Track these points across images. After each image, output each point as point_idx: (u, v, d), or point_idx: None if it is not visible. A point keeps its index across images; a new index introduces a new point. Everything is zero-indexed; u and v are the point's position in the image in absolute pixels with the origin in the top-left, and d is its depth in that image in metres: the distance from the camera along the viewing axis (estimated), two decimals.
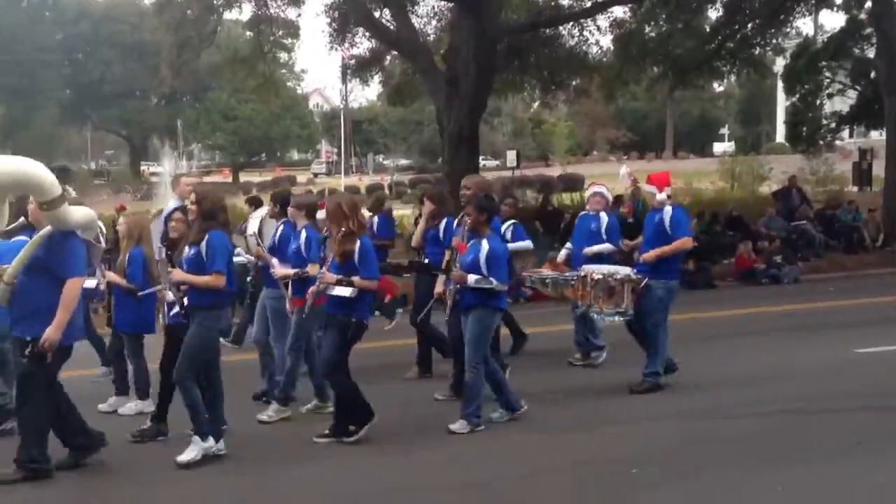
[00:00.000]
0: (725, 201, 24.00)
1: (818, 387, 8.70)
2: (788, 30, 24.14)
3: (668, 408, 8.05)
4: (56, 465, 6.38)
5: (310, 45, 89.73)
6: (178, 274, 6.73)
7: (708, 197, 26.02)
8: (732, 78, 29.09)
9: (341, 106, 57.42)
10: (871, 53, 23.00)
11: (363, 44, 23.19)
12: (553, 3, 22.44)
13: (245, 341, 10.40)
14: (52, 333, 6.06)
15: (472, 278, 7.19)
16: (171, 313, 7.15)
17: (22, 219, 7.10)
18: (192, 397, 6.60)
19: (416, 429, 7.48)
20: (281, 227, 8.33)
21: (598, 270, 8.59)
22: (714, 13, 23.02)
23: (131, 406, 8.21)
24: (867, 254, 20.58)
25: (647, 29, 22.52)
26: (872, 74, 22.97)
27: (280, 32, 24.84)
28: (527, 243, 10.32)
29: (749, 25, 22.25)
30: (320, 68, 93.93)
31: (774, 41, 23.24)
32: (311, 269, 7.57)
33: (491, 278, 7.16)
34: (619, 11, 22.28)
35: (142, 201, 31.77)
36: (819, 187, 27.40)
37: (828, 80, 24.74)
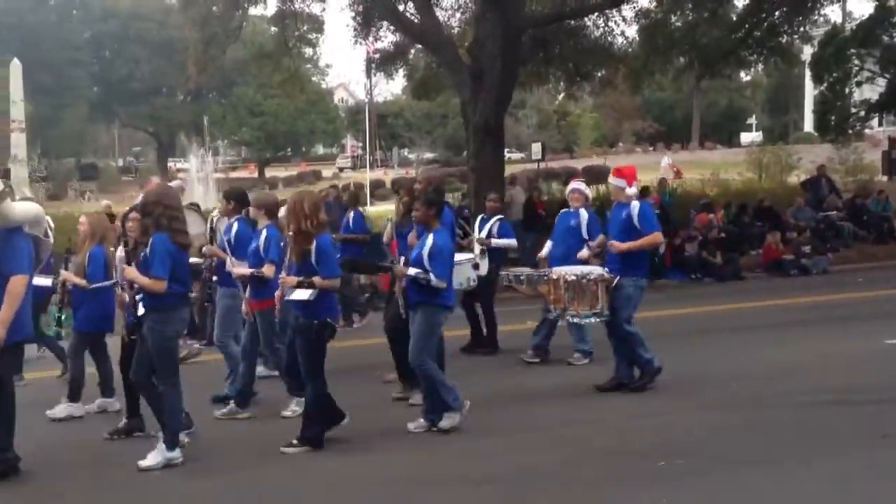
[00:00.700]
0: (753, 192, 23.82)
1: (847, 378, 8.64)
2: (816, 17, 23.87)
3: (693, 400, 8.04)
4: None
5: (334, 39, 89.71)
6: (129, 271, 6.68)
7: (735, 188, 25.81)
8: (760, 67, 28.82)
9: (366, 100, 57.44)
10: None
11: (387, 38, 23.22)
12: None
13: None
14: None
15: (411, 270, 7.07)
16: (128, 313, 7.08)
17: None
18: (173, 402, 6.55)
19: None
20: (235, 225, 8.14)
21: (570, 272, 8.39)
22: (741, 2, 22.85)
23: (98, 403, 8.23)
24: None
25: (673, 18, 22.35)
26: None
27: (305, 27, 24.91)
28: (511, 241, 10.24)
29: (776, 14, 22.01)
30: (345, 63, 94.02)
31: (802, 29, 22.97)
32: (267, 270, 7.45)
33: (430, 274, 6.96)
34: (644, 1, 22.14)
35: None
36: (848, 177, 27.13)
37: (856, 68, 24.44)
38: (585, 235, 9.32)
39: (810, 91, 46.40)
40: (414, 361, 7.15)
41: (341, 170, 61.53)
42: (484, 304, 10.45)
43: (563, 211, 9.86)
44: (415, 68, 24.92)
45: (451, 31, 22.88)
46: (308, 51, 38.24)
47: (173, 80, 57.92)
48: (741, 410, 7.64)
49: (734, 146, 58.22)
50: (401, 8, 21.20)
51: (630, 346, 8.33)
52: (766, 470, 6.08)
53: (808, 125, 53.37)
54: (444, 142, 63.85)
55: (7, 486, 6.25)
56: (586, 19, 21.88)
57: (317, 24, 26.39)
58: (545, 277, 8.62)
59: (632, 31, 23.66)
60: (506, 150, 26.54)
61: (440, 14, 22.07)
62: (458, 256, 9.78)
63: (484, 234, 10.22)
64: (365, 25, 22.25)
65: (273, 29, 24.81)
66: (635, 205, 8.26)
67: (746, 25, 22.30)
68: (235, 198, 8.40)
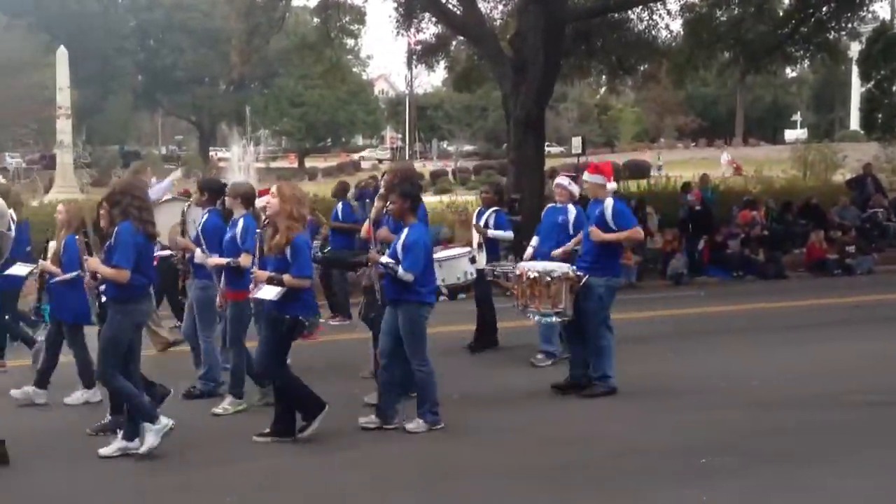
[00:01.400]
0: (797, 190, 23.50)
1: (892, 378, 8.52)
2: (864, 14, 23.38)
3: (735, 398, 7.97)
4: None
5: (376, 30, 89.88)
6: (92, 262, 6.61)
7: (779, 185, 25.48)
8: (806, 63, 28.36)
9: (406, 92, 57.58)
10: None
11: (429, 29, 23.18)
12: None
13: None
14: None
15: (383, 259, 6.94)
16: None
17: None
18: (122, 390, 6.46)
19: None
20: (206, 216, 7.98)
21: (533, 268, 8.03)
22: None
23: (77, 395, 8.06)
24: None
25: (719, 13, 22.06)
26: None
27: (347, 18, 24.95)
28: (507, 233, 9.90)
29: (824, 9, 21.62)
30: (386, 54, 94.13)
31: (850, 25, 22.52)
32: (243, 260, 7.31)
33: (400, 266, 6.80)
34: None
35: None
36: (894, 176, 26.65)
37: None
38: (572, 232, 8.82)
39: (857, 88, 45.66)
40: (414, 365, 6.97)
41: (381, 161, 61.71)
42: (479, 299, 10.08)
43: (549, 206, 9.55)
44: (456, 60, 24.85)
45: (493, 23, 22.78)
46: (350, 42, 38.34)
47: (216, 69, 58.40)
48: (784, 409, 7.57)
49: (778, 143, 57.52)
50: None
51: (597, 353, 8.00)
52: (811, 468, 6.01)
53: (855, 123, 52.54)
54: (484, 134, 63.78)
55: None
56: (630, 12, 21.68)
57: (359, 15, 26.40)
58: (516, 272, 8.30)
59: (676, 25, 23.43)
60: (546, 143, 26.43)
61: (482, 6, 21.98)
62: (455, 251, 9.75)
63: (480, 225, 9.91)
64: (407, 17, 22.24)
65: (315, 20, 24.86)
66: (609, 202, 7.88)
67: (793, 21, 21.95)
68: (209, 188, 8.17)
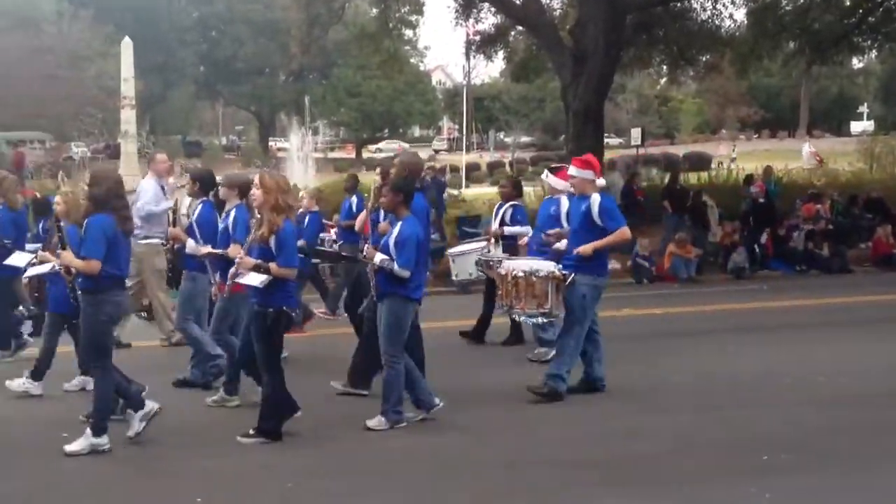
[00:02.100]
0: (864, 183, 22.93)
1: None
2: None
3: (799, 395, 7.82)
4: None
5: (434, 21, 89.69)
6: (65, 255, 6.57)
7: (845, 178, 24.89)
8: (873, 54, 27.70)
9: (464, 82, 57.43)
10: None
11: (488, 19, 23.13)
12: None
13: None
14: None
15: (378, 256, 6.81)
16: (71, 297, 6.94)
17: None
18: (104, 387, 6.38)
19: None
20: (200, 207, 7.92)
21: (518, 267, 7.68)
22: None
23: (77, 381, 8.02)
24: None
25: (784, 2, 21.68)
26: None
27: (405, 9, 25.00)
28: (524, 228, 9.66)
29: None
30: (443, 45, 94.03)
31: None
32: (232, 251, 7.17)
33: (394, 262, 6.69)
34: None
35: None
36: None
37: None
38: (565, 223, 8.49)
39: None
40: (385, 357, 6.85)
41: (437, 152, 61.76)
42: (486, 294, 9.80)
43: (546, 198, 9.32)
44: (514, 50, 24.76)
45: (552, 12, 22.66)
46: (408, 32, 38.42)
47: (276, 60, 58.94)
48: (851, 407, 7.39)
49: (843, 135, 56.15)
50: None
51: (560, 349, 7.68)
52: (877, 469, 5.87)
53: None
54: (542, 125, 63.44)
55: None
56: (693, 1, 21.41)
57: (417, 6, 26.43)
58: (498, 265, 8.08)
59: (740, 15, 23.10)
60: (604, 134, 26.19)
61: None
62: (469, 246, 9.68)
63: (497, 221, 9.75)
64: (466, 7, 22.23)
65: (374, 10, 24.97)
66: (595, 198, 7.48)
67: (861, 10, 21.46)
68: (200, 179, 8.08)
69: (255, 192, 6.57)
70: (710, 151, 46.74)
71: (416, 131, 76.81)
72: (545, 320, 7.87)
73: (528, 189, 21.28)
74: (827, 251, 17.63)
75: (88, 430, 6.33)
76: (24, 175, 24.54)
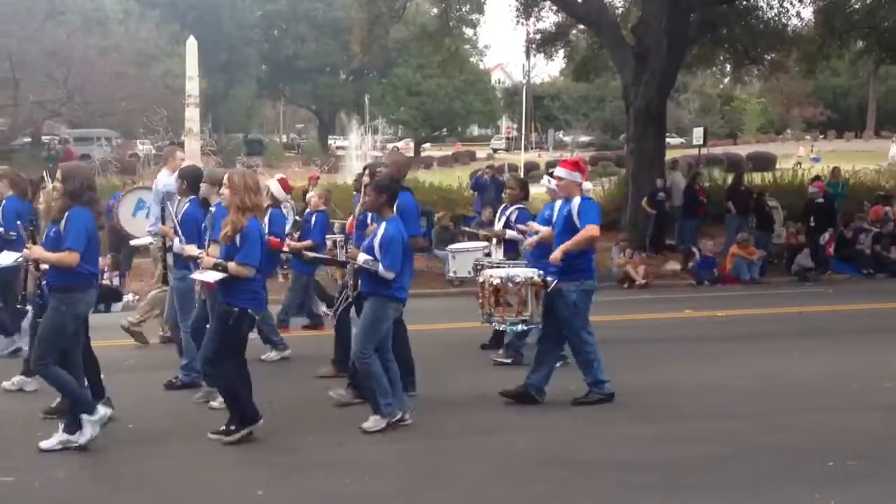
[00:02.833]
0: None
1: None
2: None
3: (868, 400, 7.65)
4: None
5: (494, 20, 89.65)
6: (35, 250, 6.42)
7: None
8: None
9: (523, 81, 57.22)
10: None
11: (549, 18, 23.03)
12: None
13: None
14: None
15: (361, 257, 6.72)
16: (39, 293, 6.79)
17: None
18: (60, 381, 6.27)
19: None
20: (186, 205, 7.83)
21: (495, 275, 7.49)
22: None
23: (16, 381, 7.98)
24: None
25: (853, 0, 21.19)
26: None
27: (466, 8, 25.04)
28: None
29: None
30: (502, 44, 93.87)
31: None
32: (213, 249, 7.02)
33: (379, 263, 6.61)
34: None
35: (329, 174, 33.10)
36: None
37: None
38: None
39: None
40: (356, 354, 6.77)
41: (495, 151, 61.64)
42: None
43: (548, 203, 8.92)
44: (575, 49, 24.60)
45: (614, 11, 22.47)
46: (468, 31, 38.42)
47: (336, 59, 59.42)
48: None
49: None
50: None
51: (583, 364, 7.50)
52: None
53: None
54: (601, 125, 62.94)
55: None
56: None
57: (478, 5, 26.48)
58: (482, 269, 7.94)
59: (807, 13, 22.62)
60: (666, 134, 25.88)
61: None
62: (471, 244, 9.56)
63: (501, 223, 9.50)
64: (527, 6, 22.15)
65: (435, 9, 25.04)
66: (576, 200, 7.35)
67: None
68: (188, 177, 7.95)
69: (224, 192, 6.55)
70: (773, 151, 45.89)
71: (475, 130, 76.79)
72: (525, 328, 7.75)
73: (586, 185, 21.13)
74: (895, 254, 17.22)
75: (61, 427, 6.29)
76: None
